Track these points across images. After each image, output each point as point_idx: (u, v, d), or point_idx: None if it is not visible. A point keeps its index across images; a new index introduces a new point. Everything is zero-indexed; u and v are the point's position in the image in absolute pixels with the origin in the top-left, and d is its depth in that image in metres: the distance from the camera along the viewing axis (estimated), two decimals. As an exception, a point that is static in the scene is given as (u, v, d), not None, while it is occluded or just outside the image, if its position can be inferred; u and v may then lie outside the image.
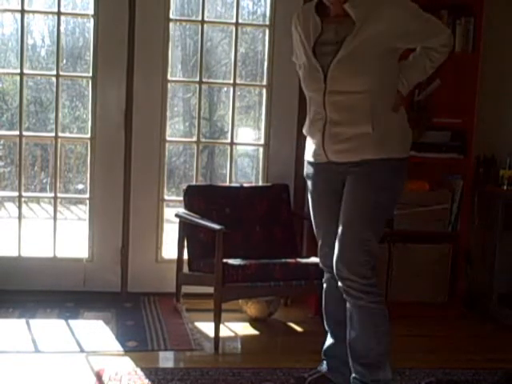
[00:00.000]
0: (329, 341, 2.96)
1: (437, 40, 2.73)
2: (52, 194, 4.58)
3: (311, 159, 2.85)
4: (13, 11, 4.51)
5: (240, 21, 4.53)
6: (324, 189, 2.85)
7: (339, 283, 2.72)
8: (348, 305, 2.72)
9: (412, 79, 2.80)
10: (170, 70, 4.50)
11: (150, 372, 3.13)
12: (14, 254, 4.43)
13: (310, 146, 2.85)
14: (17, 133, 4.44)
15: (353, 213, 2.70)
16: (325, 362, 2.99)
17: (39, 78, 5.18)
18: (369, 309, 2.67)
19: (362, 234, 2.67)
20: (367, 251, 2.67)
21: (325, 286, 2.97)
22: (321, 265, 2.96)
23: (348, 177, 2.73)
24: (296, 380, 3.05)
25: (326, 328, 2.97)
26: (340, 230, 2.70)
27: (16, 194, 4.49)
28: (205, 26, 4.51)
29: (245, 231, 4.14)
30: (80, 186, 5.84)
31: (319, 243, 2.93)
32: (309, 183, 2.91)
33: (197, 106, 4.58)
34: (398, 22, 2.61)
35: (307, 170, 2.91)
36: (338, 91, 2.66)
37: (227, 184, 4.52)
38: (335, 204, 2.76)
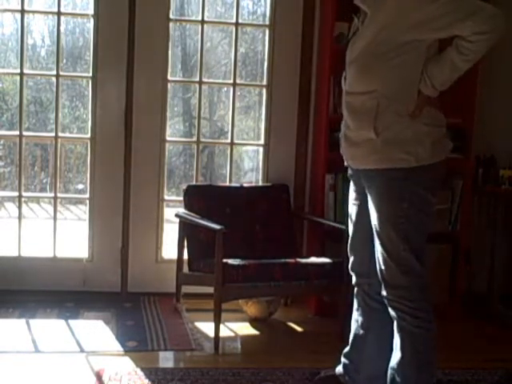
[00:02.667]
0: (349, 345, 2.90)
1: (469, 25, 2.31)
2: (52, 194, 4.58)
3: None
4: (13, 11, 4.51)
5: (240, 21, 4.53)
6: (353, 192, 2.75)
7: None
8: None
9: (436, 77, 2.43)
10: (170, 69, 4.50)
11: (150, 372, 3.13)
12: (14, 253, 4.43)
13: None
14: (17, 133, 4.44)
15: (378, 230, 2.52)
16: (341, 364, 2.95)
17: (39, 77, 5.18)
18: (411, 333, 2.49)
19: (394, 255, 2.48)
20: (406, 272, 2.47)
21: (355, 290, 2.86)
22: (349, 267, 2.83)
23: (365, 186, 2.60)
24: (310, 374, 3.08)
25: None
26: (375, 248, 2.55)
27: (16, 193, 4.49)
28: (205, 25, 4.51)
29: (245, 231, 4.14)
30: (80, 186, 5.84)
31: (348, 247, 2.83)
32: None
33: (197, 106, 4.58)
34: (402, 12, 2.33)
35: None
36: (349, 92, 2.56)
37: (227, 184, 4.52)
38: (361, 212, 2.66)
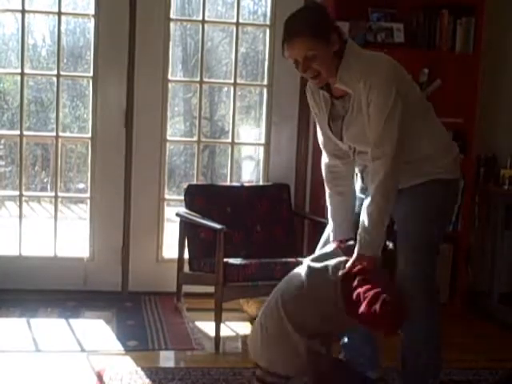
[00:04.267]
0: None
1: (373, 150, 2.47)
2: (53, 194, 4.58)
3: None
4: (13, 11, 4.51)
5: (241, 20, 4.53)
6: None
7: None
8: None
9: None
10: (170, 69, 4.51)
11: (151, 371, 3.13)
12: (15, 253, 4.43)
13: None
14: (17, 132, 4.44)
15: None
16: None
17: (40, 77, 5.17)
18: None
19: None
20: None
21: None
22: None
23: None
24: None
25: None
26: None
27: (17, 193, 4.50)
28: (205, 25, 4.51)
29: (245, 231, 4.14)
30: (81, 186, 5.84)
31: None
32: None
33: (197, 106, 4.58)
34: (366, 94, 2.45)
35: None
36: (364, 151, 2.61)
37: (228, 183, 4.52)
38: None
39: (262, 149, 4.64)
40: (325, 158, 2.83)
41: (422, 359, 2.64)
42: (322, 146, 2.82)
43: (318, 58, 2.47)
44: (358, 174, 2.81)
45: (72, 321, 3.87)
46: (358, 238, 2.51)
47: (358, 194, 2.83)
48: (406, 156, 2.54)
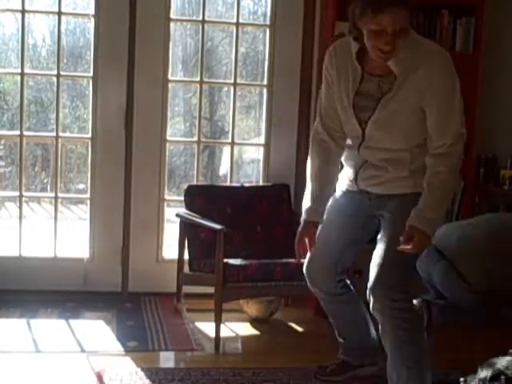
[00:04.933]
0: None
1: (435, 142, 2.55)
2: (53, 194, 4.58)
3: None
4: (13, 11, 4.51)
5: (241, 21, 4.53)
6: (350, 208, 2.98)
7: None
8: None
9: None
10: (170, 69, 4.50)
11: (151, 372, 3.13)
12: (15, 253, 4.43)
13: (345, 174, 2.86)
14: (17, 133, 4.44)
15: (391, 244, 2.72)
16: (340, 346, 3.09)
17: (40, 77, 5.16)
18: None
19: None
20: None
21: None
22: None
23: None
24: (318, 368, 3.12)
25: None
26: None
27: (17, 193, 4.49)
28: (205, 25, 4.51)
29: (245, 231, 4.14)
30: (81, 186, 5.82)
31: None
32: None
33: (197, 106, 4.58)
34: (427, 84, 2.48)
35: None
36: (373, 147, 2.64)
37: (228, 184, 4.52)
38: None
39: (262, 149, 4.63)
40: (319, 130, 2.79)
41: None
42: (321, 118, 2.77)
43: (404, 33, 2.44)
44: (352, 169, 2.77)
45: (72, 321, 3.87)
46: (419, 213, 2.50)
47: (341, 183, 2.86)
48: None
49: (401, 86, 2.51)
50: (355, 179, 2.76)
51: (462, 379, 2.67)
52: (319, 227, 2.79)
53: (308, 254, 2.84)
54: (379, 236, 2.71)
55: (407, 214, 2.55)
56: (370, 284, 2.61)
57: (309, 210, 2.78)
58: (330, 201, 2.86)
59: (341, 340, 3.11)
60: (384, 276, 2.58)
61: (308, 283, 3.00)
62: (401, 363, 2.62)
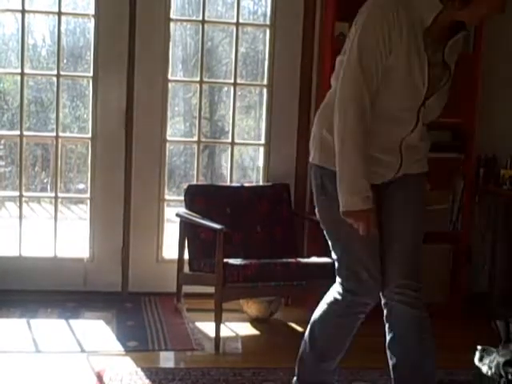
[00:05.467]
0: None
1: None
2: (53, 194, 4.58)
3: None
4: (13, 11, 4.51)
5: (241, 21, 4.53)
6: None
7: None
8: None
9: None
10: (170, 69, 4.51)
11: (151, 372, 3.13)
12: (15, 253, 4.43)
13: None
14: (17, 133, 4.44)
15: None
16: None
17: (40, 77, 5.16)
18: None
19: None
20: None
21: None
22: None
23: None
24: None
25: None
26: None
27: (17, 193, 4.50)
28: (205, 25, 4.51)
29: (245, 231, 4.14)
30: (81, 186, 5.82)
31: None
32: None
33: (197, 106, 4.58)
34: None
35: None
36: (424, 123, 2.49)
37: (228, 184, 4.52)
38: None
39: (262, 149, 4.63)
40: (367, 106, 2.34)
41: None
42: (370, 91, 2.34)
43: None
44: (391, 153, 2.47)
45: (72, 321, 3.87)
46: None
47: None
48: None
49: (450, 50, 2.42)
50: (400, 164, 2.49)
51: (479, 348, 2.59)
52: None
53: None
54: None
55: None
56: (402, 279, 2.48)
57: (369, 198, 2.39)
58: None
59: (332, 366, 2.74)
60: (416, 265, 2.51)
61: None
62: (433, 353, 2.56)
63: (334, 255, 2.61)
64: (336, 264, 2.61)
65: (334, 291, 2.63)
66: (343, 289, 2.57)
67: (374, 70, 2.31)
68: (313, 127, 2.60)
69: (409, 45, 2.29)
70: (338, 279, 2.61)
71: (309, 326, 2.68)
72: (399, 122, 2.44)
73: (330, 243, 2.61)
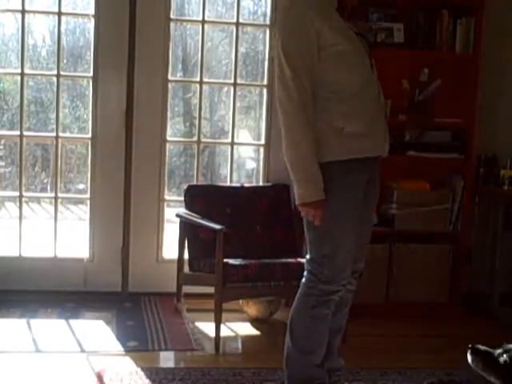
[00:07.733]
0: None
1: None
2: (53, 194, 4.58)
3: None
4: (13, 11, 4.51)
5: (240, 21, 4.53)
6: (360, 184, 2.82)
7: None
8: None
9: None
10: (170, 69, 4.51)
11: (151, 372, 3.13)
12: (15, 253, 4.43)
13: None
14: (17, 133, 4.44)
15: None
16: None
17: (40, 77, 5.16)
18: None
19: None
20: None
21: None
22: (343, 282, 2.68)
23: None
24: None
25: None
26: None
27: (17, 193, 4.50)
28: (205, 25, 4.51)
29: (245, 231, 4.14)
30: (81, 186, 5.82)
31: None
32: None
33: (197, 106, 4.58)
34: None
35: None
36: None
37: (228, 184, 4.52)
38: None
39: (262, 149, 4.63)
40: (307, 89, 2.49)
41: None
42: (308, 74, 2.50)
43: None
44: (371, 124, 2.64)
45: (72, 321, 3.87)
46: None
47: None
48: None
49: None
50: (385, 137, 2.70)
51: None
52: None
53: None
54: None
55: None
56: (359, 264, 2.77)
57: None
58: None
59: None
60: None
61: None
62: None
63: (314, 247, 2.68)
64: (310, 255, 2.68)
65: (304, 285, 2.74)
66: (316, 279, 2.67)
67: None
68: None
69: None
70: (309, 270, 2.70)
71: (288, 323, 2.75)
72: None
73: (315, 237, 2.67)
